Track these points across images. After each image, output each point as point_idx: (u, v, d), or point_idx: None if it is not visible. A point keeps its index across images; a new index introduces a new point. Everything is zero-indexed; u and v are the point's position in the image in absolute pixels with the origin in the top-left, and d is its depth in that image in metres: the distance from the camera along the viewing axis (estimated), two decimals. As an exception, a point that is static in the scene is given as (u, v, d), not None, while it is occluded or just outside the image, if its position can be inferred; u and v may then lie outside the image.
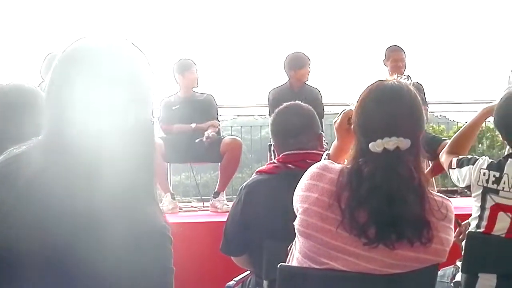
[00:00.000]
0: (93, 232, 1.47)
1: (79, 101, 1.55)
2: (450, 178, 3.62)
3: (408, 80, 2.37)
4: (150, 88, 1.67)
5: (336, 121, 2.69)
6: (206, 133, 6.61)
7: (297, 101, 3.50)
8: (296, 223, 2.30)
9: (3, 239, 1.50)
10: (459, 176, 3.41)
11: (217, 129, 6.90)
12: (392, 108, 2.26)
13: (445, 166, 3.59)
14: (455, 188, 8.34)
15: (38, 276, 1.49)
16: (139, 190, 1.58)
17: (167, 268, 1.57)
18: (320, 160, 2.47)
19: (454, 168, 3.45)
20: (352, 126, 2.35)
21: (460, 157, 3.47)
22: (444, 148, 3.72)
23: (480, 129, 3.85)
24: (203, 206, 7.21)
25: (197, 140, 6.57)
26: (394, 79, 2.35)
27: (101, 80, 1.56)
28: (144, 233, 1.53)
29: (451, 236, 2.29)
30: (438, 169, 6.59)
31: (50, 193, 1.50)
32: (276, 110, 3.45)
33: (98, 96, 1.55)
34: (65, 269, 1.47)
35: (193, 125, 6.80)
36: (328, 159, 2.56)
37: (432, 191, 2.29)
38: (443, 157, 3.63)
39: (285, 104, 3.46)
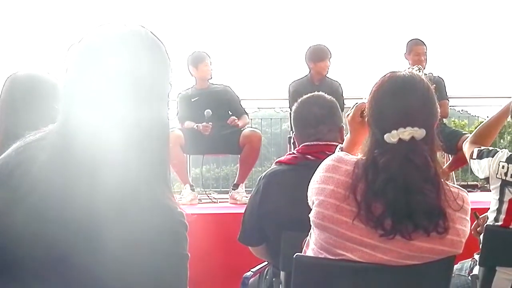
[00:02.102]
0: (104, 226, 1.47)
1: (90, 93, 1.55)
2: (470, 168, 3.60)
3: (419, 71, 2.37)
4: (167, 80, 1.67)
5: (349, 114, 2.70)
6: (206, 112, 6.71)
7: (320, 92, 3.50)
8: (311, 215, 2.30)
9: (4, 238, 1.51)
10: (479, 167, 3.40)
11: (238, 122, 6.94)
12: (405, 99, 2.26)
13: (467, 156, 3.59)
14: (475, 182, 8.32)
15: (43, 275, 1.49)
16: (152, 180, 1.58)
17: (183, 255, 1.58)
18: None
19: (475, 159, 3.45)
20: (366, 119, 2.35)
21: (482, 148, 3.47)
22: (468, 138, 3.72)
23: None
24: (216, 199, 7.22)
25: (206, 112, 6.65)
26: (405, 70, 2.35)
27: (116, 73, 1.56)
28: (160, 221, 1.54)
29: (467, 227, 2.28)
30: (458, 163, 6.59)
31: (51, 189, 1.50)
32: (299, 100, 3.44)
33: (111, 89, 1.55)
34: (73, 268, 1.48)
35: (197, 126, 6.79)
36: None
37: (448, 183, 2.29)
38: (466, 146, 3.63)
39: (308, 94, 3.46)
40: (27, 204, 1.50)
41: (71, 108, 1.58)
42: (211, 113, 6.70)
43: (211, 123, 6.65)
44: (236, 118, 6.77)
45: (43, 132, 1.63)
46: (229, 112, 7.01)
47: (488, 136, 3.70)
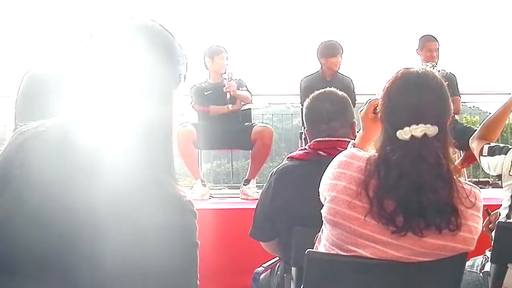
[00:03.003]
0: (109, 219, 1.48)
1: (93, 90, 1.56)
2: (481, 165, 3.59)
3: (433, 68, 2.36)
4: (173, 76, 1.67)
5: (361, 110, 2.70)
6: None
7: (332, 88, 3.50)
8: (323, 211, 2.30)
9: (4, 241, 1.51)
10: (490, 165, 3.39)
11: (247, 95, 7.01)
12: (418, 95, 2.26)
13: (476, 153, 3.58)
14: (487, 179, 8.29)
15: (43, 277, 1.50)
16: (158, 173, 1.58)
17: (193, 243, 1.58)
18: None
19: (486, 156, 3.44)
20: (379, 115, 2.35)
21: (492, 144, 3.46)
22: (474, 134, 3.71)
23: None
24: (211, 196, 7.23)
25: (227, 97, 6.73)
26: (419, 66, 2.35)
27: (118, 70, 1.56)
28: (170, 210, 1.54)
29: (480, 224, 2.28)
30: (469, 159, 6.57)
31: (51, 189, 1.49)
32: (311, 96, 3.44)
33: (114, 86, 1.55)
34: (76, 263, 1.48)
35: (230, 106, 6.84)
36: None
37: (461, 180, 2.28)
38: (474, 143, 3.62)
39: (320, 90, 3.46)
40: (28, 207, 1.50)
41: (73, 104, 1.58)
42: (232, 74, 6.85)
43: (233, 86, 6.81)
44: (233, 85, 6.79)
45: (43, 126, 1.63)
46: (241, 103, 7.03)
47: (494, 130, 3.69)
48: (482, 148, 3.49)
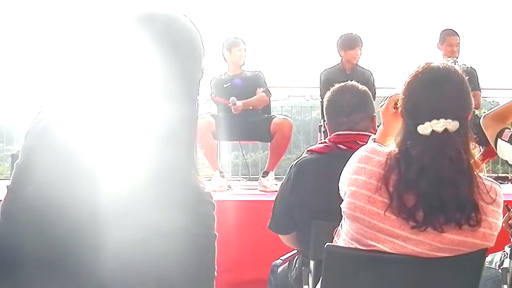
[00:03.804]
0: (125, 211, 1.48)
1: (106, 87, 1.55)
2: (496, 147, 3.50)
3: (455, 64, 2.36)
4: (196, 58, 1.67)
5: (382, 105, 2.70)
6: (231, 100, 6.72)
7: (353, 82, 3.50)
8: (343, 206, 2.30)
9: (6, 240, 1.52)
10: (510, 153, 3.34)
11: (266, 98, 6.98)
12: (439, 90, 2.26)
13: (491, 131, 3.50)
14: (506, 174, 8.26)
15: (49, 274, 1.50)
16: (179, 161, 1.58)
17: (211, 235, 1.59)
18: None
19: (506, 141, 3.39)
20: (399, 110, 2.34)
21: None
22: (490, 111, 3.65)
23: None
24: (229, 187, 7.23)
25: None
26: (440, 61, 2.34)
27: (132, 65, 1.54)
28: (189, 202, 1.54)
29: (500, 221, 2.27)
30: (489, 154, 6.53)
31: (55, 186, 1.49)
32: (332, 88, 3.45)
33: (127, 83, 1.55)
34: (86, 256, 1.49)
35: (239, 102, 6.82)
36: None
37: (481, 175, 2.28)
38: (487, 120, 3.54)
39: (342, 83, 3.47)
40: (32, 207, 1.51)
41: (85, 103, 1.57)
42: (236, 100, 6.73)
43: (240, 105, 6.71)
44: (238, 107, 6.76)
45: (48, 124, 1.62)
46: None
47: (511, 116, 3.64)
48: (502, 131, 3.43)
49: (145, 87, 1.55)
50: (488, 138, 3.53)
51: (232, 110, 6.68)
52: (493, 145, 3.50)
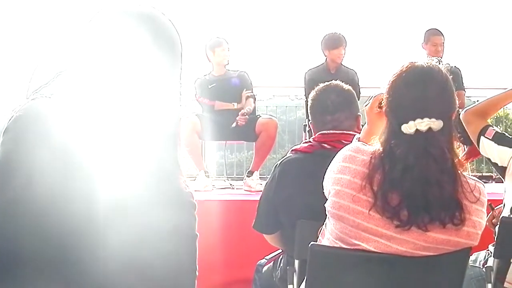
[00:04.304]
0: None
1: (102, 87, 1.55)
2: (479, 144, 3.49)
3: (439, 63, 2.36)
4: (180, 63, 1.66)
5: (367, 105, 2.71)
6: (241, 112, 6.66)
7: (338, 81, 3.50)
8: (327, 205, 2.30)
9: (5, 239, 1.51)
10: (495, 152, 3.35)
11: (251, 100, 6.96)
12: (423, 89, 2.26)
13: (470, 127, 3.50)
14: (490, 174, 8.30)
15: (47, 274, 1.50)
16: (164, 161, 1.58)
17: (192, 235, 1.59)
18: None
19: (490, 139, 3.39)
20: (384, 109, 2.35)
21: (499, 131, 3.42)
22: (471, 106, 3.66)
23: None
24: (233, 186, 7.23)
25: (233, 126, 6.60)
26: (424, 61, 2.35)
27: (119, 65, 1.55)
28: (170, 202, 1.54)
29: (484, 219, 2.28)
30: (473, 154, 6.55)
31: (52, 185, 1.48)
32: (317, 88, 3.45)
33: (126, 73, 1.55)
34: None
35: (235, 104, 6.83)
36: None
37: (465, 174, 2.28)
38: (468, 115, 3.54)
39: (326, 83, 3.47)
40: (29, 207, 1.50)
41: (78, 102, 1.57)
42: (251, 109, 6.78)
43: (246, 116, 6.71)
44: (244, 112, 6.74)
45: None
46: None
47: (492, 111, 3.66)
48: (485, 128, 3.44)
49: (141, 87, 1.55)
50: (469, 134, 3.54)
51: (239, 121, 6.68)
52: (474, 142, 3.51)
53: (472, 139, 3.52)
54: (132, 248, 1.46)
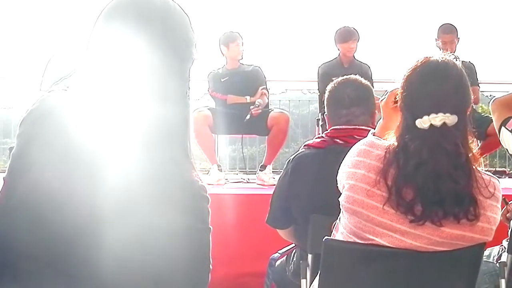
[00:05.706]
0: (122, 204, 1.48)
1: (109, 67, 1.55)
2: (499, 135, 3.46)
3: (455, 59, 2.35)
4: (190, 56, 1.66)
5: (382, 100, 2.70)
6: (255, 103, 6.66)
7: (357, 76, 3.50)
8: (341, 200, 2.30)
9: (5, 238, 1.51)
10: None
11: (265, 97, 6.94)
12: (438, 84, 2.25)
13: (497, 118, 3.47)
14: (503, 168, 8.27)
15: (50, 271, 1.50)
16: (175, 158, 1.58)
17: (206, 229, 1.59)
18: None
19: (509, 131, 3.37)
20: (398, 104, 2.34)
21: None
22: (500, 96, 3.63)
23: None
24: (248, 180, 7.22)
25: (247, 118, 6.59)
26: (439, 55, 2.34)
27: (128, 60, 1.55)
28: (183, 196, 1.54)
29: (498, 215, 2.27)
30: (487, 149, 6.53)
31: (54, 184, 1.49)
32: (334, 81, 3.45)
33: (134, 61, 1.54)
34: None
35: (248, 98, 6.83)
36: None
37: (479, 169, 2.28)
38: (495, 104, 3.51)
39: (344, 76, 3.47)
40: (29, 204, 1.51)
41: (81, 100, 1.57)
42: (261, 102, 6.77)
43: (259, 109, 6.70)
44: (256, 105, 6.73)
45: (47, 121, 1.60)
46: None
47: None
48: (507, 119, 3.41)
49: (143, 85, 1.55)
50: (494, 123, 3.52)
51: (252, 112, 6.67)
52: (496, 131, 3.49)
53: (495, 127, 3.51)
54: (133, 246, 1.47)
